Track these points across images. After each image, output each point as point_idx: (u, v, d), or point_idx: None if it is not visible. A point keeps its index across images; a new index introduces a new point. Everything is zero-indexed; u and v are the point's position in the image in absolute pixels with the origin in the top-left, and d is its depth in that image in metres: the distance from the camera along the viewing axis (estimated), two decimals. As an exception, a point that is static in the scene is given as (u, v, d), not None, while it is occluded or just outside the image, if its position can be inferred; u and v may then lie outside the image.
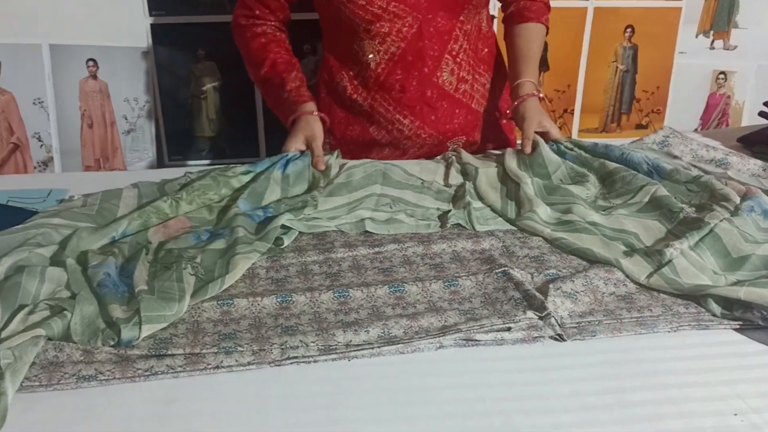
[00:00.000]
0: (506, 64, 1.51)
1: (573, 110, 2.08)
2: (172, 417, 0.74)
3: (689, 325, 0.89)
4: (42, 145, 1.79)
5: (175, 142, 1.93)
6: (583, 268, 1.01)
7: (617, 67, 2.07)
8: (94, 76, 1.79)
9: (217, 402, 0.76)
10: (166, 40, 1.83)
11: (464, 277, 0.99)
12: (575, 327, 0.89)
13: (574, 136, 2.10)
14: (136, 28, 1.79)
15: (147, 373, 0.80)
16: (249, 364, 0.82)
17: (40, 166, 1.79)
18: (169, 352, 0.82)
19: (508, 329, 0.88)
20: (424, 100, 1.41)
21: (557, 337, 0.87)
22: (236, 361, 0.82)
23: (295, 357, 0.83)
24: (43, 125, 1.78)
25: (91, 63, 1.79)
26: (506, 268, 0.99)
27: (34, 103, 1.77)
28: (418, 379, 0.81)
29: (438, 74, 1.40)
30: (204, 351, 0.83)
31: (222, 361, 0.82)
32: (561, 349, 0.86)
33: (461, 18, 1.40)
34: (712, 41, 1.97)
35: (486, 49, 1.49)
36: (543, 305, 0.90)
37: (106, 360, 0.81)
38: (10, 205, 1.15)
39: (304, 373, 0.81)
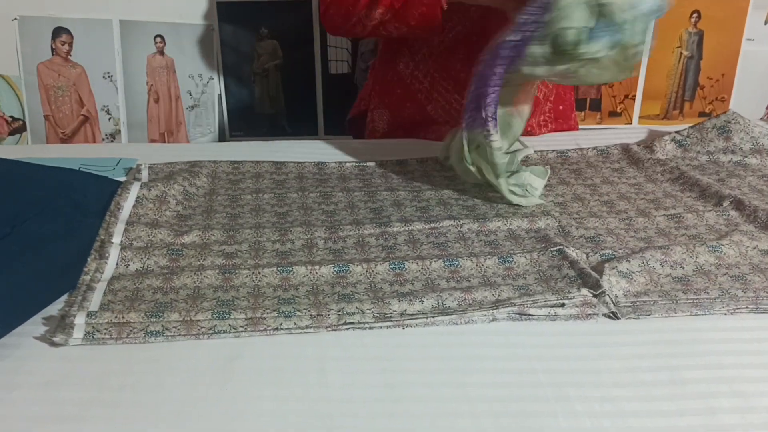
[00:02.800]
0: None
1: (634, 96, 2.05)
2: (235, 371, 0.78)
3: (747, 308, 0.89)
4: (110, 117, 1.85)
5: (237, 118, 1.98)
6: (640, 249, 1.01)
7: (681, 53, 2.03)
8: (161, 52, 1.84)
9: (278, 360, 0.79)
10: (230, 18, 1.87)
11: (519, 254, 1.00)
12: (630, 306, 0.89)
13: (635, 122, 2.07)
14: (202, 6, 1.84)
15: (210, 332, 0.83)
16: (307, 327, 0.85)
17: (108, 138, 1.85)
18: (232, 316, 0.85)
19: (562, 305, 0.89)
20: None
21: (611, 315, 0.88)
22: (295, 324, 0.85)
23: (352, 323, 0.85)
24: (111, 98, 1.84)
25: (158, 39, 1.84)
26: (561, 247, 1.00)
27: (103, 76, 1.83)
28: (471, 348, 0.82)
29: None
30: (264, 315, 0.86)
31: (281, 324, 0.85)
32: (615, 327, 0.86)
33: None
34: (782, 28, 1.91)
35: None
36: (598, 283, 0.91)
37: (173, 319, 0.85)
38: (83, 171, 1.21)
39: (361, 338, 0.83)
